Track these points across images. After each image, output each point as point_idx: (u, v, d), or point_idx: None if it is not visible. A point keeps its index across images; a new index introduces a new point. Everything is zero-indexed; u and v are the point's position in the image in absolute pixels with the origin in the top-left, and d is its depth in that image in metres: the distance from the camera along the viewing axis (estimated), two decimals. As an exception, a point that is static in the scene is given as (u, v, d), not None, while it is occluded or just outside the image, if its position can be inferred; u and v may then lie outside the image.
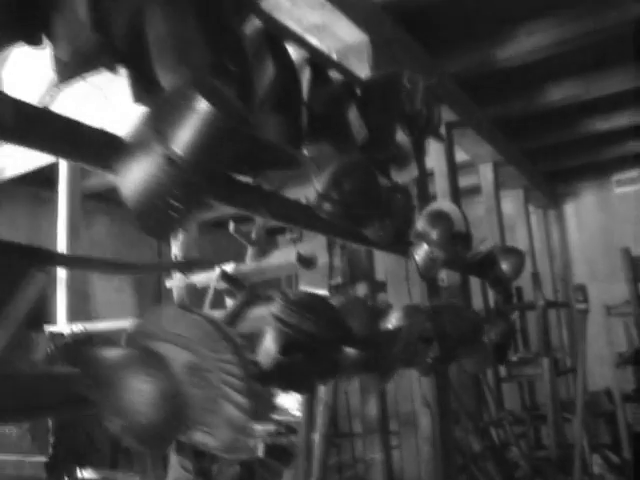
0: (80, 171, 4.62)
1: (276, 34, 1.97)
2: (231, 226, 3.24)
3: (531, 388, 4.38)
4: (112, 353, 1.10)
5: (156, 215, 1.16)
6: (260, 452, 2.38)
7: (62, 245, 4.21)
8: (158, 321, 1.11)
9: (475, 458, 3.25)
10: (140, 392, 1.05)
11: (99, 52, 1.21)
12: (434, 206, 2.47)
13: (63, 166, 4.32)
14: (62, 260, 1.47)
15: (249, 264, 3.14)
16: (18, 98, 1.01)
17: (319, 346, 1.47)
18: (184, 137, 1.13)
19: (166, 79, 1.36)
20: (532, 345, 4.66)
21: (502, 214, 4.98)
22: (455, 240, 2.52)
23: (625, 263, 3.43)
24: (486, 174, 4.80)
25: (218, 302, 3.25)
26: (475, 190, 5.16)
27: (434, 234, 2.42)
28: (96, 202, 5.92)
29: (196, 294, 3.37)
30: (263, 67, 1.85)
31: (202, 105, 1.13)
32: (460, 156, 4.20)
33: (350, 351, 1.71)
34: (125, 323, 3.27)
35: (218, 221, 6.60)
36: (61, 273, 4.05)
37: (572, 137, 5.12)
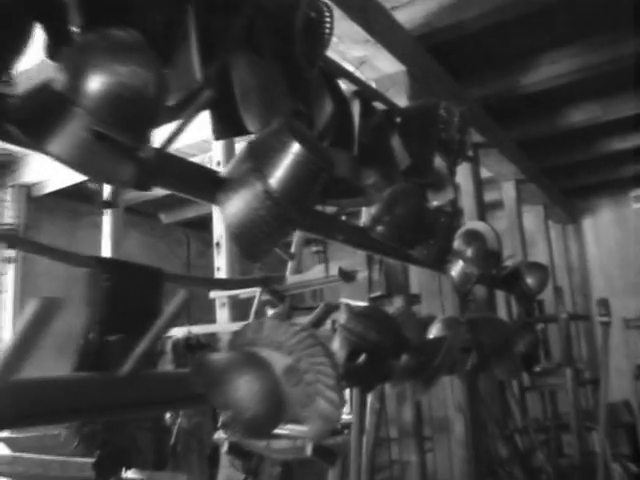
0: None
1: (329, 70, 2.19)
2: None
3: (553, 398, 4.55)
4: (221, 356, 1.32)
5: (254, 240, 1.38)
6: (308, 452, 2.60)
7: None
8: (260, 329, 1.32)
9: (502, 463, 3.42)
10: (246, 389, 1.27)
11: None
12: (469, 226, 2.68)
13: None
14: (176, 278, 1.68)
15: (291, 277, 3.35)
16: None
17: (380, 352, 1.68)
18: (279, 174, 1.35)
19: (252, 123, 1.58)
20: (553, 357, 4.83)
21: (524, 229, 5.17)
22: (488, 258, 2.73)
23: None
24: (508, 191, 5.00)
25: (260, 312, 3.47)
26: (497, 205, 5.36)
27: (469, 252, 2.63)
28: (129, 215, 6.16)
29: (240, 305, 3.59)
30: (321, 104, 2.07)
31: (296, 147, 1.35)
32: (482, 172, 4.41)
33: (401, 358, 1.91)
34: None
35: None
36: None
37: (590, 156, 5.31)
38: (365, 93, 2.45)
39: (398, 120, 2.61)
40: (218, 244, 3.77)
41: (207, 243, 7.16)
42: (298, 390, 1.28)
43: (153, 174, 1.09)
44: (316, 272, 3.19)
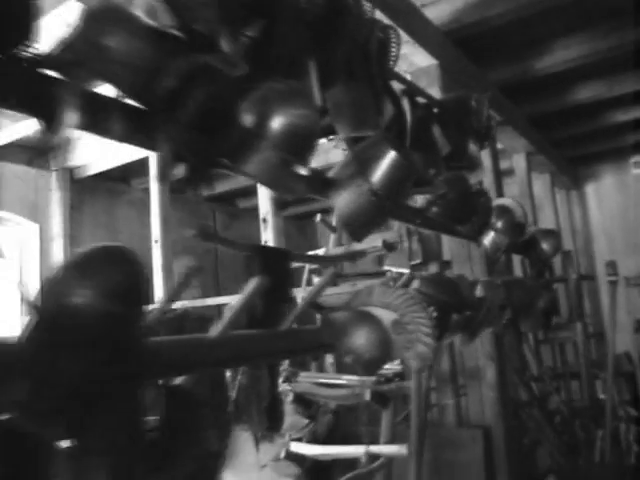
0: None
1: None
2: (318, 217, 3.89)
3: (562, 350, 5.05)
4: (343, 314, 1.76)
5: (360, 226, 1.81)
6: (367, 397, 3.08)
7: (156, 234, 4.85)
8: (371, 293, 1.77)
9: (523, 406, 3.92)
10: (364, 338, 1.71)
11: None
12: (499, 201, 3.11)
13: (153, 162, 4.90)
14: (298, 257, 2.12)
15: (333, 249, 3.79)
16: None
17: (446, 309, 2.12)
18: (380, 176, 1.78)
19: (343, 130, 2.00)
20: (561, 313, 5.32)
21: (534, 196, 5.61)
22: (515, 229, 3.16)
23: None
24: (519, 162, 5.42)
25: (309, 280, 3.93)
26: (507, 172, 5.78)
27: (499, 224, 3.07)
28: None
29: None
30: (384, 106, 2.47)
31: (392, 154, 1.77)
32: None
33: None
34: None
35: (305, 214, 7.39)
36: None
37: (594, 127, 5.73)
38: (410, 90, 2.86)
39: (436, 111, 3.03)
40: (265, 220, 4.20)
41: (232, 216, 7.58)
42: (402, 337, 1.72)
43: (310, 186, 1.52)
44: (361, 245, 3.62)
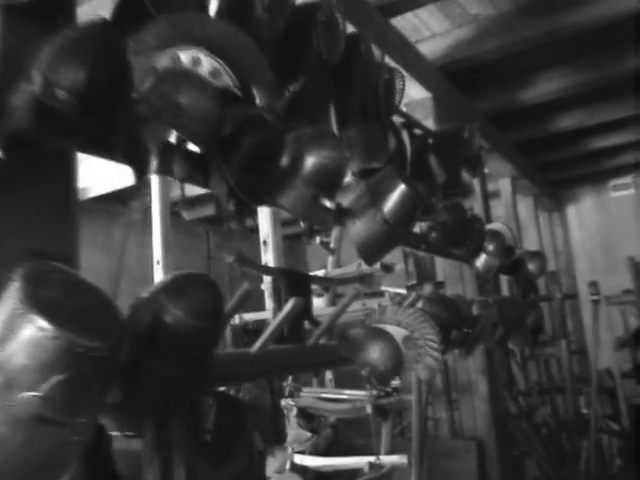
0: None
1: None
2: (317, 239, 4.08)
3: (547, 365, 5.26)
4: (358, 331, 1.95)
5: (372, 251, 2.00)
6: (369, 410, 3.26)
7: (158, 255, 5.00)
8: (384, 312, 1.96)
9: (512, 419, 4.12)
10: (378, 352, 1.90)
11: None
12: (490, 226, 3.33)
13: (155, 185, 5.06)
14: (317, 280, 2.31)
15: (333, 269, 3.98)
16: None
17: (448, 326, 2.32)
18: (391, 206, 1.98)
19: (355, 163, 2.20)
20: (546, 331, 5.55)
21: (519, 218, 5.86)
22: (505, 252, 3.38)
23: (631, 268, 4.29)
24: (505, 187, 5.67)
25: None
26: (493, 195, 6.03)
27: (491, 247, 3.28)
28: (158, 214, 6.71)
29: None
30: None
31: (402, 187, 1.97)
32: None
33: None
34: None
35: (293, 235, 7.54)
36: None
37: (575, 153, 6.01)
38: (409, 122, 3.09)
39: (431, 142, 3.25)
40: (265, 242, 4.38)
41: (224, 236, 7.74)
42: (412, 352, 1.91)
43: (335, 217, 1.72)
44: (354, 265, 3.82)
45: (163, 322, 1.02)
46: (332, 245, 4.26)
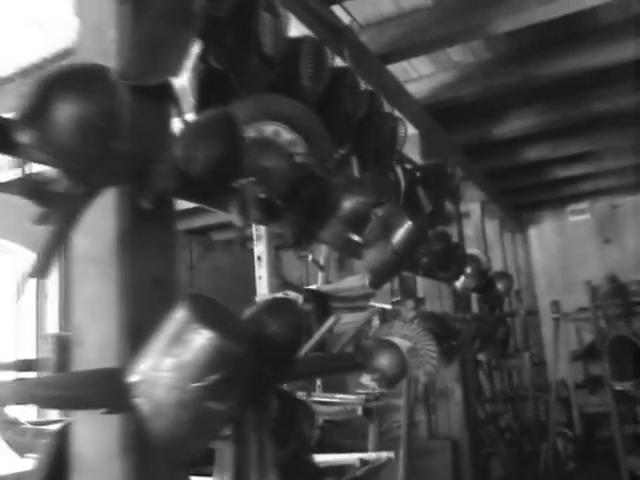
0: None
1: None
2: (310, 256, 4.47)
3: (509, 375, 5.75)
4: (370, 343, 2.34)
5: (382, 276, 2.40)
6: (359, 412, 3.65)
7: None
8: (392, 327, 2.36)
9: (480, 423, 4.56)
10: (387, 360, 2.30)
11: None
12: (469, 251, 3.78)
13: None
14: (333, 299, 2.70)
15: (326, 285, 4.37)
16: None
17: (440, 339, 2.73)
18: (398, 239, 2.38)
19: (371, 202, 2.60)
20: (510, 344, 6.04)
21: (486, 239, 6.36)
22: (480, 274, 3.83)
23: (588, 291, 4.78)
24: (475, 210, 6.16)
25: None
26: (464, 215, 6.53)
27: (468, 270, 3.73)
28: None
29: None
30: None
31: (409, 223, 2.38)
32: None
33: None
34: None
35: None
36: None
37: (538, 180, 6.56)
38: (401, 158, 3.51)
39: (418, 175, 3.68)
40: (260, 258, 4.75)
41: (206, 247, 8.06)
42: (415, 360, 2.32)
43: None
44: (348, 282, 4.22)
45: (265, 334, 1.40)
46: (322, 262, 4.66)
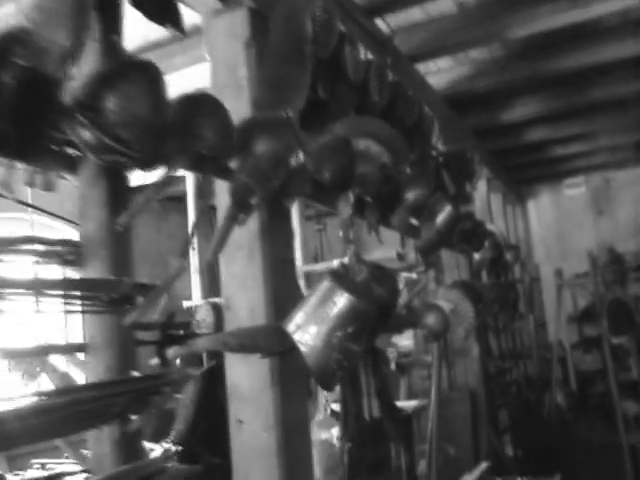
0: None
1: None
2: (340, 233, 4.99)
3: (514, 336, 6.36)
4: (420, 305, 2.88)
5: (429, 251, 2.94)
6: (392, 367, 4.22)
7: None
8: (437, 292, 2.90)
9: (491, 377, 5.17)
10: (434, 319, 2.85)
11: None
12: (486, 227, 4.32)
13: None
14: None
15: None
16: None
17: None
18: (440, 220, 2.91)
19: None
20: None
21: (492, 213, 6.91)
22: (495, 247, 4.38)
23: (590, 261, 5.35)
24: (482, 186, 6.68)
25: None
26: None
27: (486, 243, 4.27)
28: (172, 203, 7.49)
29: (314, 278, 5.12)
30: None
31: (449, 208, 2.91)
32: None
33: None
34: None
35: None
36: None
37: (538, 158, 7.10)
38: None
39: (441, 160, 4.20)
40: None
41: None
42: (456, 319, 2.87)
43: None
44: (377, 254, 4.76)
45: (375, 296, 1.94)
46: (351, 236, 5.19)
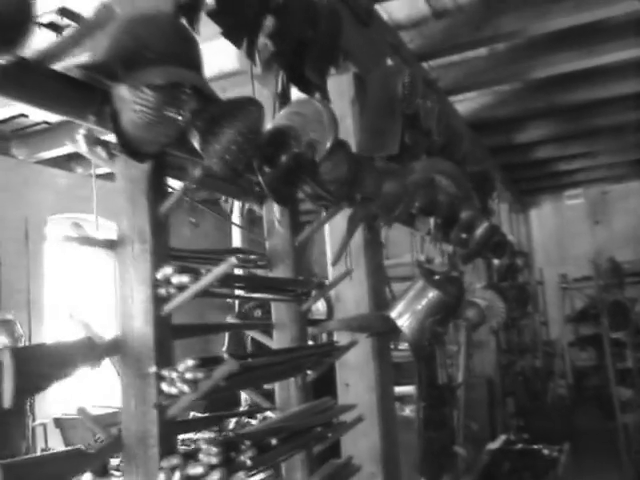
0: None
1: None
2: (373, 238, 5.68)
3: (519, 332, 7.09)
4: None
5: (469, 260, 3.63)
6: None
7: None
8: (474, 292, 3.60)
9: (501, 367, 5.88)
10: (472, 313, 3.54)
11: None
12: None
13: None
14: None
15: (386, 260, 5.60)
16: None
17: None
18: (479, 234, 3.60)
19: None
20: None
21: (501, 221, 7.63)
22: (512, 254, 5.09)
23: (593, 268, 6.08)
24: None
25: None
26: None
27: (504, 250, 4.98)
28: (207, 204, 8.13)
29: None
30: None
31: (485, 223, 3.60)
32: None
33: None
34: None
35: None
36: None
37: (543, 173, 7.83)
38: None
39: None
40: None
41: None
42: (490, 314, 3.56)
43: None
44: (406, 258, 5.45)
45: (450, 294, 2.63)
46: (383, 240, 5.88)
